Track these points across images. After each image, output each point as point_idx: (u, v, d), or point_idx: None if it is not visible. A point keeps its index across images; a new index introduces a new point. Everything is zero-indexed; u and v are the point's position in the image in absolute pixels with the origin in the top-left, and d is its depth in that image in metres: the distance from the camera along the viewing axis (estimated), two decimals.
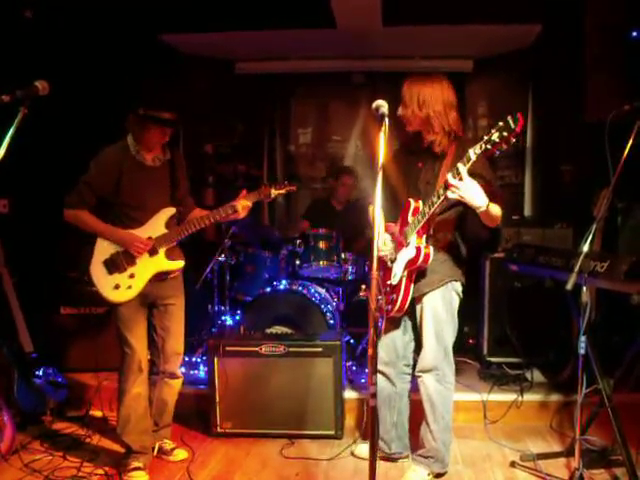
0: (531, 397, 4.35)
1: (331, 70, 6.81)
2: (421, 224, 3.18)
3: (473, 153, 2.86)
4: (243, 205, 3.62)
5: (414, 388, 3.59)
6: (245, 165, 7.14)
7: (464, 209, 3.32)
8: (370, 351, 2.43)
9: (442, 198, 3.02)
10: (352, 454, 3.86)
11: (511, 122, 2.71)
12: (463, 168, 2.88)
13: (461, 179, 2.89)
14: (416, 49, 6.17)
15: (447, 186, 2.94)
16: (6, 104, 2.40)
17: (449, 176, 2.92)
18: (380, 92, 6.58)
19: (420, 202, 3.28)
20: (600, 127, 3.08)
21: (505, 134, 2.73)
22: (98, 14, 5.17)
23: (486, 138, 2.79)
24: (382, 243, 3.37)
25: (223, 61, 6.68)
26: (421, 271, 3.33)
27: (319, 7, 5.12)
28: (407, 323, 3.56)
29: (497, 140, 2.76)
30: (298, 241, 5.12)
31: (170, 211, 3.62)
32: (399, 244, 3.34)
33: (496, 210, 3.08)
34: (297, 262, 5.12)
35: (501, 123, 2.74)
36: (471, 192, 2.93)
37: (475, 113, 6.69)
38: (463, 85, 6.61)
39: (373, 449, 2.46)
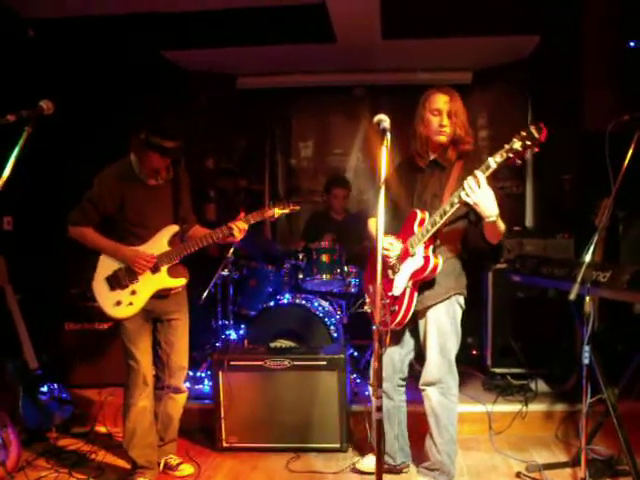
0: (536, 407, 4.35)
1: (332, 84, 6.84)
2: (430, 234, 3.19)
3: (493, 161, 2.87)
4: (240, 228, 3.59)
5: (417, 400, 3.57)
6: (246, 179, 7.15)
7: (467, 222, 3.34)
8: (375, 365, 2.43)
9: (457, 205, 3.02)
10: (353, 469, 3.83)
11: (534, 132, 2.73)
12: (482, 175, 2.89)
13: (479, 186, 2.90)
14: (416, 62, 6.20)
15: (464, 188, 2.93)
16: (11, 124, 2.42)
17: (469, 179, 2.92)
18: (381, 105, 6.66)
19: (426, 213, 3.29)
20: (600, 137, 3.09)
21: (528, 143, 2.75)
22: (101, 31, 5.23)
23: (507, 147, 2.81)
24: (388, 244, 3.36)
25: (224, 76, 6.72)
26: (425, 283, 3.33)
27: (319, 22, 5.16)
28: (406, 336, 3.56)
29: (520, 149, 2.77)
30: (301, 255, 5.13)
31: (173, 229, 3.64)
32: (403, 255, 3.33)
33: (502, 225, 3.10)
34: (300, 276, 5.12)
35: (524, 132, 2.76)
36: (487, 199, 2.92)
37: (475, 124, 6.69)
38: (463, 97, 6.62)
39: (379, 462, 2.47)
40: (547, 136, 2.73)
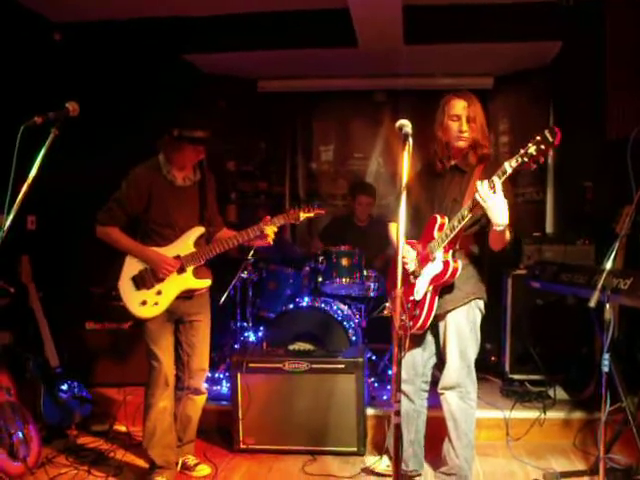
0: (554, 415, 4.33)
1: (353, 88, 6.87)
2: (449, 238, 3.19)
3: (509, 166, 2.87)
4: (272, 230, 3.65)
5: (436, 405, 3.57)
6: (267, 182, 7.20)
7: (487, 225, 3.33)
8: (394, 369, 2.44)
9: (472, 208, 3.03)
10: (365, 469, 3.85)
11: (549, 135, 2.73)
12: (498, 180, 2.90)
13: (494, 192, 2.91)
14: (437, 67, 6.20)
15: (478, 191, 2.94)
16: (38, 125, 2.46)
17: (481, 183, 2.93)
18: (401, 110, 6.66)
19: (446, 218, 3.29)
20: (622, 144, 3.08)
21: (543, 147, 2.75)
22: (123, 35, 5.29)
23: (523, 151, 2.81)
24: (405, 251, 3.36)
25: (245, 79, 6.74)
26: (445, 287, 3.32)
27: (341, 27, 5.18)
28: (428, 340, 3.54)
29: (534, 153, 2.77)
30: (320, 258, 5.13)
31: (199, 230, 3.68)
32: (423, 259, 3.33)
33: (508, 235, 3.12)
34: (319, 279, 5.13)
35: (538, 137, 2.76)
36: (499, 207, 2.93)
37: (496, 130, 6.68)
38: (484, 102, 6.58)
39: (397, 466, 2.47)
40: (561, 140, 2.73)
